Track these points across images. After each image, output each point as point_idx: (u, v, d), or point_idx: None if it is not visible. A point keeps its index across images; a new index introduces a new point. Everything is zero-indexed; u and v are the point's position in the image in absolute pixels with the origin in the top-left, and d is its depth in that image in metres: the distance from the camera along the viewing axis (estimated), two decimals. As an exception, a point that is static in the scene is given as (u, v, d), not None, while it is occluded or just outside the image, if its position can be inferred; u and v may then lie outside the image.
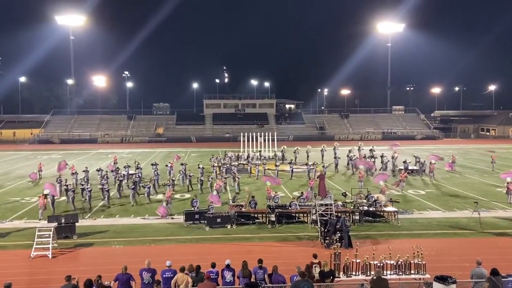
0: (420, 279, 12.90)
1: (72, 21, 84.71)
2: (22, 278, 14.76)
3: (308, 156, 41.57)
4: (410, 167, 36.68)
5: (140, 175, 32.03)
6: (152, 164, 35.79)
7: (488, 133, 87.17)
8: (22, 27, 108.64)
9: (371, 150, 42.91)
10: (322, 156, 43.30)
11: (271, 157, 43.81)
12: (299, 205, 22.34)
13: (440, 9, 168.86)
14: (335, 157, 39.67)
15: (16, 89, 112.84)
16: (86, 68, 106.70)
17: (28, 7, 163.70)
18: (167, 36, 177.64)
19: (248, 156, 42.88)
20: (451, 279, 11.21)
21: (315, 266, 12.53)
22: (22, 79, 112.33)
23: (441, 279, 11.24)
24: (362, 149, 44.85)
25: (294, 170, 35.16)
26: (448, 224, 21.12)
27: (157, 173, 32.07)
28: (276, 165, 36.19)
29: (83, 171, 31.44)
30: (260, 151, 45.73)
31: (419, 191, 28.83)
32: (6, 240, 19.03)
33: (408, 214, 22.89)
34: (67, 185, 26.37)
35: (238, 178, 30.75)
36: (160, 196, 26.75)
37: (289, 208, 21.83)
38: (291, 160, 38.22)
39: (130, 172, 33.35)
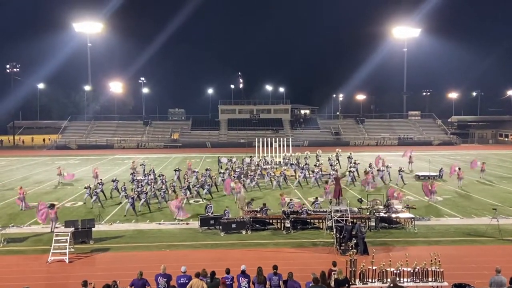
0: (437, 287, 12.72)
1: (89, 28, 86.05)
2: (39, 282, 14.94)
3: (317, 161, 41.29)
4: (427, 173, 36.44)
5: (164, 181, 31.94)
6: (175, 170, 35.78)
7: (506, 139, 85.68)
8: (40, 35, 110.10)
9: (349, 158, 42.10)
10: (338, 161, 43.03)
11: (278, 162, 43.67)
12: (313, 211, 22.24)
13: (457, 14, 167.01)
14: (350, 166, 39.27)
15: (34, 96, 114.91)
16: (103, 74, 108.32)
17: (46, 15, 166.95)
18: (182, 42, 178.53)
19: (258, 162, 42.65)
20: (470, 287, 11.07)
21: (334, 274, 12.40)
22: (41, 85, 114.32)
23: (459, 287, 11.12)
24: (340, 155, 44.47)
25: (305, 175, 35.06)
26: (466, 231, 20.79)
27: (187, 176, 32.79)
28: (283, 169, 36.40)
29: (145, 180, 31.69)
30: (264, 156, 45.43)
31: (436, 197, 28.42)
32: (24, 245, 19.28)
33: (425, 221, 22.60)
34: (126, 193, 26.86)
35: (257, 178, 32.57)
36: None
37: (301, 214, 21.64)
38: (299, 165, 38.12)
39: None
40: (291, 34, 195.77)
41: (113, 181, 30.80)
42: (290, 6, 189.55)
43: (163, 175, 32.81)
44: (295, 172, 36.19)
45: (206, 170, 34.40)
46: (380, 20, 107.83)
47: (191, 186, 29.64)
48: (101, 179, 30.92)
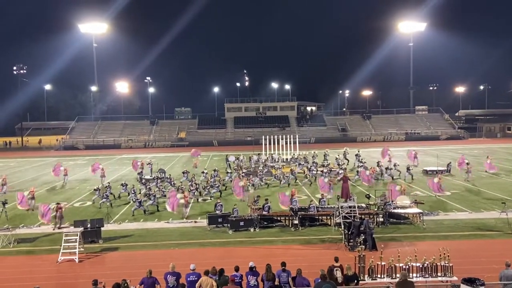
0: (447, 281, 12.67)
1: (94, 29, 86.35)
2: (50, 282, 15.06)
3: (325, 159, 41.24)
4: (435, 168, 36.23)
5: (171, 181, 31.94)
6: (183, 172, 34.75)
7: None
8: (47, 36, 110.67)
9: (356, 155, 41.75)
10: (346, 158, 42.92)
11: (287, 160, 43.63)
12: (321, 207, 22.19)
13: (463, 7, 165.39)
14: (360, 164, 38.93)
15: (41, 97, 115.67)
16: (109, 74, 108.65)
17: (52, 16, 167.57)
18: (188, 41, 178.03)
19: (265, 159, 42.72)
20: (479, 281, 10.99)
21: (336, 270, 12.42)
22: (48, 87, 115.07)
23: (469, 281, 11.04)
24: (348, 153, 44.25)
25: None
26: (475, 226, 20.68)
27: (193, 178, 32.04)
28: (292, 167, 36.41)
29: (153, 183, 31.96)
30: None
31: (445, 192, 28.26)
32: (34, 245, 19.44)
33: (433, 216, 22.51)
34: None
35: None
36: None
37: (308, 211, 21.67)
38: (308, 164, 38.09)
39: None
40: (296, 31, 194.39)
41: (122, 185, 30.34)
42: (295, 2, 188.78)
43: (169, 175, 33.06)
44: (304, 172, 36.15)
45: (215, 171, 34.39)
46: (386, 15, 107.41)
47: (201, 188, 29.67)
48: (109, 183, 30.99)
